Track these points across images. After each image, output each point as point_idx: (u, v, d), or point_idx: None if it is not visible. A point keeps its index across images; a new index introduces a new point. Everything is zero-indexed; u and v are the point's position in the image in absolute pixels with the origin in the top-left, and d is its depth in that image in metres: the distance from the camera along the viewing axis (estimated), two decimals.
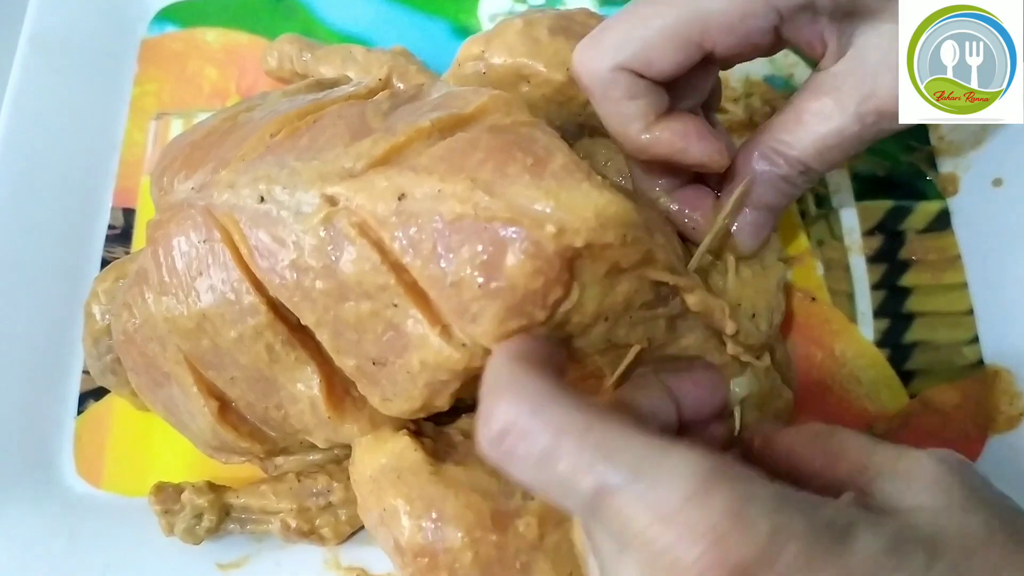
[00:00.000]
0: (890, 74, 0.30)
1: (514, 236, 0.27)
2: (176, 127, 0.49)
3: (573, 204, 0.27)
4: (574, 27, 0.35)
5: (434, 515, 0.30)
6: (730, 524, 0.20)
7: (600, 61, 0.31)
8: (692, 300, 0.31)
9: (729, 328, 0.32)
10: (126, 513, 0.39)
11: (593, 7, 0.48)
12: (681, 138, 0.32)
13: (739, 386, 0.34)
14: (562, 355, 0.29)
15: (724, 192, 0.35)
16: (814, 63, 0.33)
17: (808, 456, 0.28)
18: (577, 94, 0.35)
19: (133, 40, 0.51)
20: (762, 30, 0.30)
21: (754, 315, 0.35)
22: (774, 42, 0.32)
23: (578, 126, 0.37)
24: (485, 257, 0.27)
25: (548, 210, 0.27)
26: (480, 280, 0.27)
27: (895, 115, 0.31)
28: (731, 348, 0.34)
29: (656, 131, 0.32)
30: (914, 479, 0.25)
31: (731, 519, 0.20)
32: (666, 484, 0.21)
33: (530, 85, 0.36)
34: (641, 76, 0.31)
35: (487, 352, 0.28)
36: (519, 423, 0.23)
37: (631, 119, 0.32)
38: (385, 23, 0.49)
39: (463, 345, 0.28)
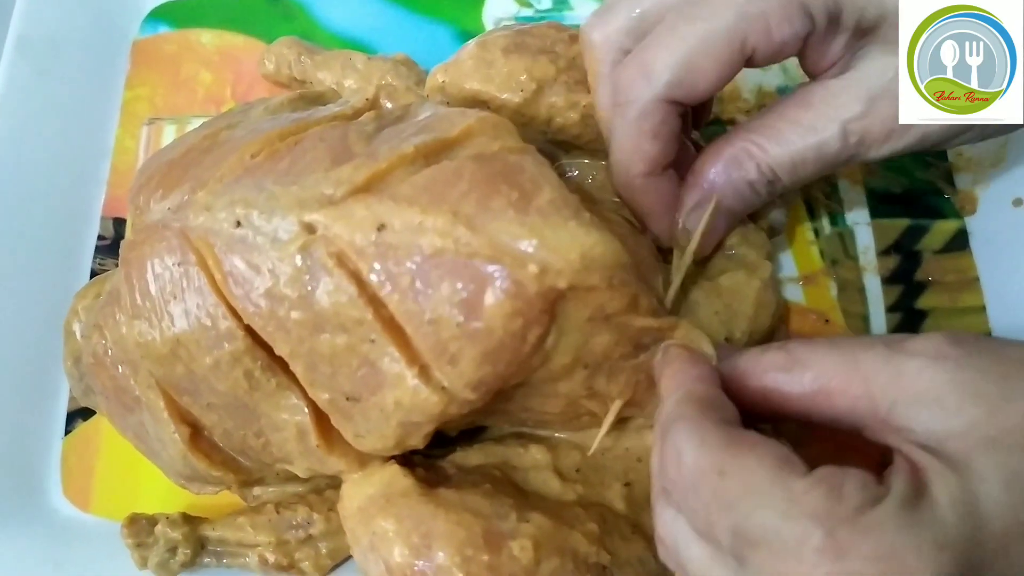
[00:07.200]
0: (887, 100, 0.30)
1: (495, 275, 0.26)
2: (169, 133, 0.47)
3: (558, 243, 0.26)
4: (530, 42, 0.34)
5: (424, 532, 0.29)
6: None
7: (647, 90, 0.30)
8: (678, 336, 0.30)
9: (713, 359, 0.31)
10: (116, 539, 0.37)
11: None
12: (660, 201, 0.33)
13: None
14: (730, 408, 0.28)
15: (689, 209, 0.34)
16: (811, 77, 0.33)
17: (793, 397, 0.26)
18: (538, 113, 0.34)
19: (124, 41, 0.49)
20: (796, 36, 0.30)
21: (729, 319, 0.34)
22: (794, 52, 0.31)
23: (549, 143, 0.36)
24: (464, 295, 0.26)
25: (531, 249, 0.26)
26: (459, 319, 0.26)
27: (879, 142, 0.31)
28: None
29: (652, 182, 0.32)
30: (939, 399, 0.23)
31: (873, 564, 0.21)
32: (796, 538, 0.21)
33: (489, 111, 0.34)
34: (679, 106, 0.30)
35: (466, 399, 0.27)
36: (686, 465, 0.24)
37: (641, 158, 0.32)
38: (387, 27, 0.48)
39: (442, 388, 0.27)
